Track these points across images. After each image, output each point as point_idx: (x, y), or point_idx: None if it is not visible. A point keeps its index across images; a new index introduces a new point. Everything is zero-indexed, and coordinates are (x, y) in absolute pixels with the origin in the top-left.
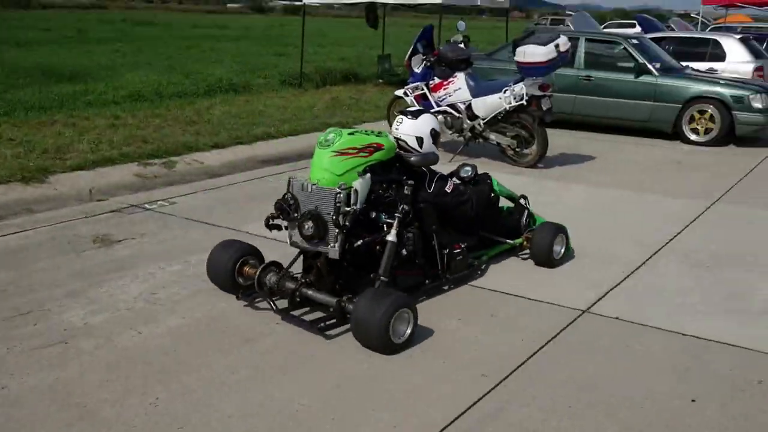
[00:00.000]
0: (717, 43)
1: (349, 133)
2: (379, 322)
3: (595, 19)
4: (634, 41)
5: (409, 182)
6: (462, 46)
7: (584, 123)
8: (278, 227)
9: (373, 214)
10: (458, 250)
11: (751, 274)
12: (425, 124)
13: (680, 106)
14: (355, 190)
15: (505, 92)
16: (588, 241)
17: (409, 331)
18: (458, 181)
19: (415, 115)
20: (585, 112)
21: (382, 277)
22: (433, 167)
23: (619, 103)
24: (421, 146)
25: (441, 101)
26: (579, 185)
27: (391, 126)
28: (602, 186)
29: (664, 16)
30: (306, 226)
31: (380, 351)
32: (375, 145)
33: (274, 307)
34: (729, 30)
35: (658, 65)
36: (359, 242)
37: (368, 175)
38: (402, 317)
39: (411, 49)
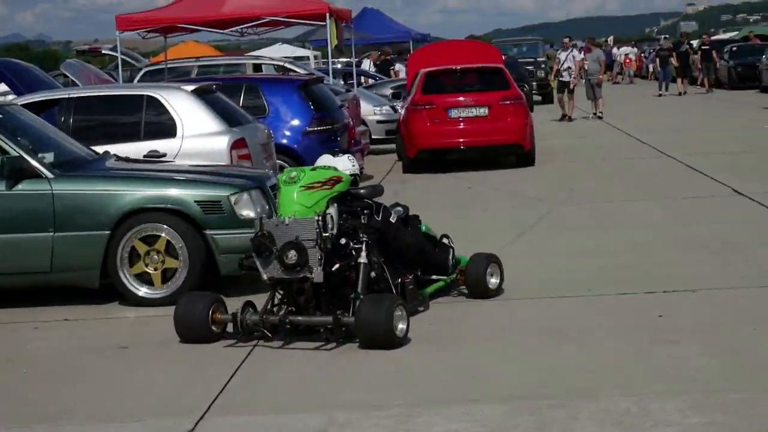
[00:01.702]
0: (156, 104)
1: (312, 169)
2: (385, 319)
3: None
4: None
5: (365, 211)
6: None
7: None
8: (254, 268)
9: (343, 240)
10: (408, 280)
11: None
12: (343, 161)
13: (108, 233)
14: (331, 217)
15: None
16: None
17: (404, 326)
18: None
19: (335, 155)
20: None
21: (361, 296)
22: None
23: None
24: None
25: None
26: None
27: None
28: None
29: (60, 54)
30: (289, 255)
31: (386, 347)
32: (335, 179)
33: (269, 334)
34: (180, 76)
35: (50, 159)
36: (336, 266)
37: (335, 205)
38: (398, 314)
39: None
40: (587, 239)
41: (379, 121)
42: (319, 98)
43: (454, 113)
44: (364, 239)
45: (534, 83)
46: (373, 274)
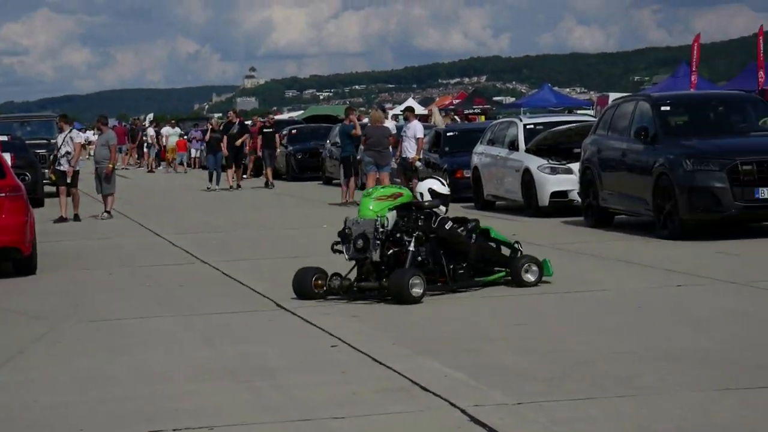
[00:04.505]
0: None
1: (382, 188)
2: (404, 284)
3: None
4: None
5: (421, 217)
6: None
7: None
8: (340, 251)
9: (398, 235)
10: (460, 267)
11: None
12: (424, 185)
13: None
14: (386, 218)
15: None
16: None
17: (421, 291)
18: (458, 224)
19: (422, 179)
20: None
21: (418, 271)
22: (440, 212)
23: None
24: (422, 198)
25: None
26: None
27: None
28: None
29: None
30: (358, 243)
31: (405, 303)
32: (398, 194)
33: (346, 293)
34: None
35: None
36: (391, 251)
37: (394, 211)
38: (416, 281)
39: None
40: (94, 365)
41: None
42: None
43: None
44: (415, 234)
45: (47, 170)
46: (419, 258)
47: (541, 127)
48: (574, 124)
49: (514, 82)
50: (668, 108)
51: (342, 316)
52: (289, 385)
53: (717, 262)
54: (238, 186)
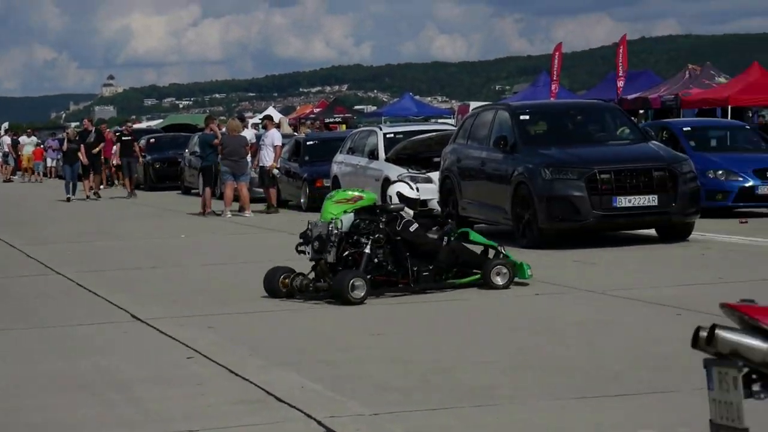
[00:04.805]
0: None
1: (342, 191)
2: (345, 285)
3: None
4: None
5: (382, 219)
6: None
7: None
8: (304, 252)
9: (355, 237)
10: (425, 269)
11: None
12: (393, 188)
13: None
14: (340, 221)
15: None
16: None
17: (362, 293)
18: (437, 227)
19: (393, 182)
20: None
21: (361, 274)
22: (406, 215)
23: None
24: (391, 201)
25: None
26: None
27: None
28: None
29: None
30: (315, 244)
31: (346, 304)
32: (358, 197)
33: (303, 293)
34: None
35: None
36: (347, 252)
37: (351, 213)
38: (357, 284)
39: None
40: None
41: None
42: None
43: None
44: (372, 237)
45: None
46: (376, 260)
47: (401, 136)
48: (435, 133)
49: (375, 91)
50: (527, 117)
51: (198, 328)
52: (144, 398)
53: (574, 271)
54: (96, 196)
